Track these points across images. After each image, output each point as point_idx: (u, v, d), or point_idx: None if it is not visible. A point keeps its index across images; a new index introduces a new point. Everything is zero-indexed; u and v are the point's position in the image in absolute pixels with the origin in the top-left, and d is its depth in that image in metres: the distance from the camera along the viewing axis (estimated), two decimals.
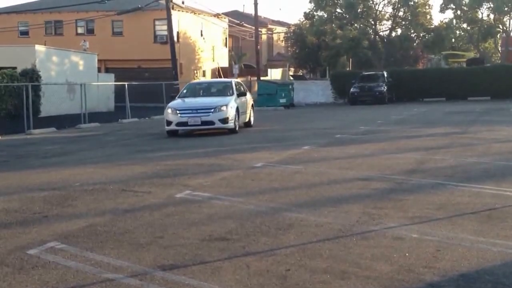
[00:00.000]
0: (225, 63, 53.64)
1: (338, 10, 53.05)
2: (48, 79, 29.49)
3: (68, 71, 32.96)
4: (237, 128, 18.91)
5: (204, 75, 49.86)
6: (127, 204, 8.17)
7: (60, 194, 8.97)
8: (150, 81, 37.77)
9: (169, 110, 18.51)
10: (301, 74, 56.87)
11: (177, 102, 19.41)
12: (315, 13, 53.76)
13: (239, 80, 21.75)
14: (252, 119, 21.68)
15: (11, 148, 17.13)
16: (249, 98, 21.62)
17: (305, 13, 54.93)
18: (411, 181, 9.46)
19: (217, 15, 52.48)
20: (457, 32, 59.83)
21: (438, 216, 7.03)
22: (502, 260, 5.42)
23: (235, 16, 56.38)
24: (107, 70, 43.88)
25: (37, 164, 13.06)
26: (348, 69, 53.73)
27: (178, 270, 5.31)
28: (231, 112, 18.44)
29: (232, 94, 19.59)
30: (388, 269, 5.22)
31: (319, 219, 7.02)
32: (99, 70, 39.22)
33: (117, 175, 10.83)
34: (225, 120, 18.25)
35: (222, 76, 50.49)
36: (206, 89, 21.15)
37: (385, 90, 38.02)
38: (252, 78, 48.19)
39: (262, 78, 45.57)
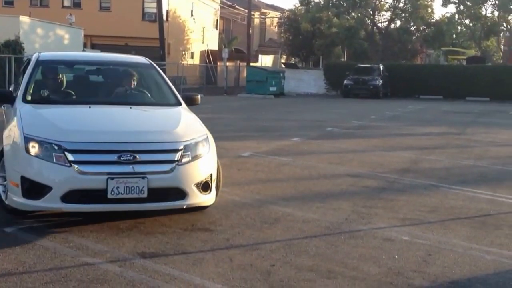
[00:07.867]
0: (215, 46, 52.69)
1: None
2: (32, 52, 28.28)
3: (52, 44, 31.74)
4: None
5: (192, 57, 49.00)
6: None
7: None
8: None
9: (30, 145, 5.79)
10: (293, 62, 55.94)
11: (47, 116, 6.42)
12: None
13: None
14: None
15: None
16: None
17: None
18: (404, 180, 9.28)
19: None
20: (459, 27, 58.32)
21: (430, 219, 6.86)
22: (496, 269, 5.27)
23: None
24: (93, 46, 42.55)
25: None
26: (342, 60, 52.79)
27: (159, 259, 5.14)
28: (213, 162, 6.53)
29: (177, 103, 7.45)
30: (376, 270, 5.08)
31: (306, 215, 6.84)
32: (85, 46, 38.20)
33: None
34: (207, 186, 6.30)
35: (212, 60, 49.41)
36: (98, 83, 8.17)
37: (380, 84, 37.35)
38: (241, 64, 47.63)
39: (252, 64, 44.97)
